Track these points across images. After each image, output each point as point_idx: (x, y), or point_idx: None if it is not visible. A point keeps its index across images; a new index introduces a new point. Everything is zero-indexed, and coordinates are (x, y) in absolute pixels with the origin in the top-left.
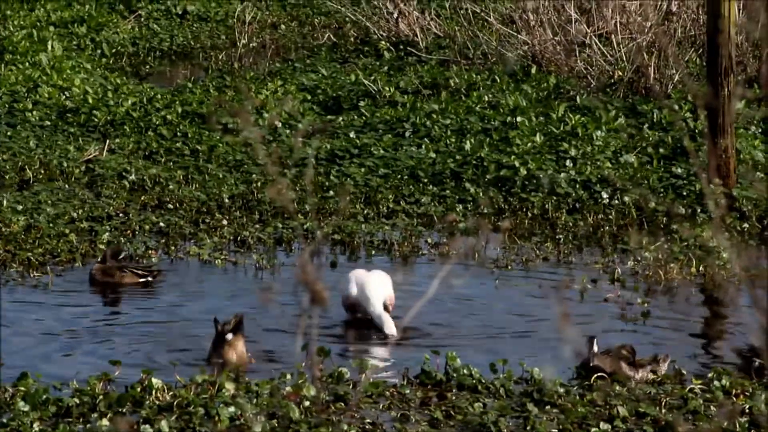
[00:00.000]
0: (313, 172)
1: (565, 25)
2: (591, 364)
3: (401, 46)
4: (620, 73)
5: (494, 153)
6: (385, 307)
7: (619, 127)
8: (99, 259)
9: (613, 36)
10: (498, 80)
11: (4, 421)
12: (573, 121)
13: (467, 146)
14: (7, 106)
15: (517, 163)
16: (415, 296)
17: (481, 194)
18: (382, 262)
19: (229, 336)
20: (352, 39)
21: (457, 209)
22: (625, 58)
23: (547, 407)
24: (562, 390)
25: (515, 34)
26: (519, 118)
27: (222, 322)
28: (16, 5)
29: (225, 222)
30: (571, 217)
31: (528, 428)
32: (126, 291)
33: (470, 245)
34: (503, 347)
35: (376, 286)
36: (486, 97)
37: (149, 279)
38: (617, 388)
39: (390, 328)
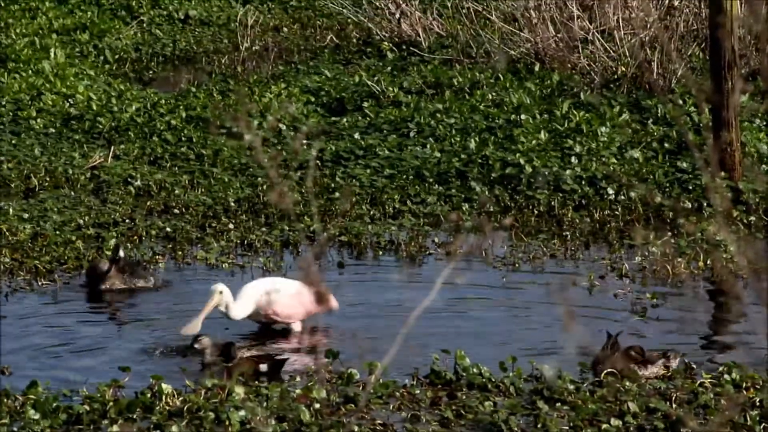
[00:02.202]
0: (318, 174)
1: (567, 21)
2: (601, 365)
3: (404, 47)
4: (623, 69)
5: (499, 151)
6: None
7: (623, 122)
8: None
9: (615, 32)
10: (501, 78)
11: (15, 429)
12: (577, 118)
13: (472, 145)
14: (11, 114)
15: (522, 161)
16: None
17: (486, 192)
18: (389, 263)
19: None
20: (354, 40)
21: (463, 208)
22: (627, 54)
23: (558, 405)
24: (572, 387)
25: (517, 31)
26: (523, 116)
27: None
28: (18, 13)
29: (231, 226)
30: (577, 214)
31: (539, 426)
32: (133, 296)
33: (477, 244)
34: (512, 346)
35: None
36: (489, 95)
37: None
38: (627, 384)
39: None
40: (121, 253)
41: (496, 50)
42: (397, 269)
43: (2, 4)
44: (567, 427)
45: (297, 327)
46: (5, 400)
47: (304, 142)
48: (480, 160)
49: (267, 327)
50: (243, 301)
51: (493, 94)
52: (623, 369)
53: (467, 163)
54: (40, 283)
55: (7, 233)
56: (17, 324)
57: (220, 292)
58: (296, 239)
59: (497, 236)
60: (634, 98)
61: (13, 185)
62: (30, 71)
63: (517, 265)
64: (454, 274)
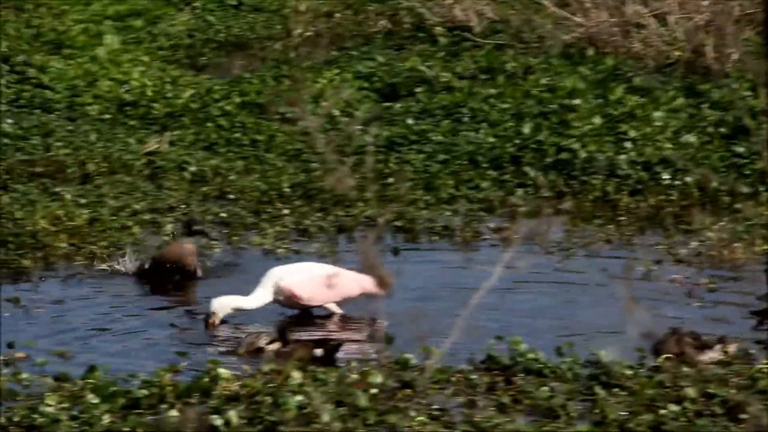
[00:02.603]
0: (372, 160)
1: (620, 5)
2: (660, 350)
3: (457, 31)
4: (678, 53)
5: (553, 136)
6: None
7: (678, 107)
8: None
9: (669, 16)
10: (554, 63)
11: (75, 413)
12: (631, 102)
13: (526, 130)
14: (67, 100)
15: (576, 146)
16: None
17: (540, 177)
18: (443, 248)
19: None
20: (407, 25)
21: (517, 193)
22: (682, 38)
23: (615, 390)
24: (629, 372)
25: (570, 16)
26: (577, 101)
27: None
28: (73, 0)
29: (286, 211)
30: (632, 199)
31: (596, 411)
32: (190, 280)
33: (532, 229)
34: (568, 331)
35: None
36: (543, 80)
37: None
38: (685, 369)
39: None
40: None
41: (548, 34)
42: (451, 254)
43: None
44: (624, 413)
45: (335, 309)
46: (65, 384)
47: (360, 127)
48: (534, 145)
49: (317, 314)
50: (260, 289)
51: (547, 78)
52: (682, 354)
53: (521, 148)
54: (97, 268)
55: (65, 218)
56: (75, 308)
57: (214, 313)
58: (351, 225)
59: (554, 221)
60: (689, 82)
61: (69, 171)
62: (85, 57)
63: (572, 250)
64: (514, 259)
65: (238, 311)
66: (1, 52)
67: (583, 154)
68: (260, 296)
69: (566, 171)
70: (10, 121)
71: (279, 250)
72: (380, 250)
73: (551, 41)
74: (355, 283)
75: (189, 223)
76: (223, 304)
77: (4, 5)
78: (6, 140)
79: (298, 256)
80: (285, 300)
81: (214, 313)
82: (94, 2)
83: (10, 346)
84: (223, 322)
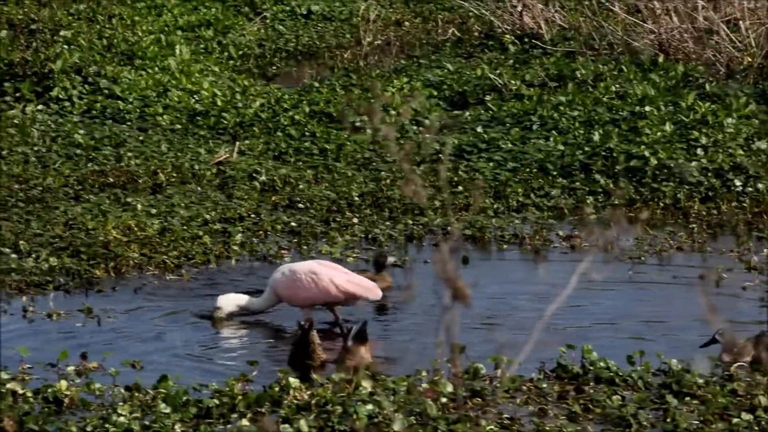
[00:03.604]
0: (445, 168)
1: (691, 12)
2: (733, 358)
3: (526, 39)
4: (750, 59)
5: (623, 143)
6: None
7: (750, 113)
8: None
9: (740, 22)
10: (625, 70)
11: (147, 423)
12: (703, 109)
13: (596, 137)
14: (138, 110)
15: (647, 153)
16: (553, 290)
17: (611, 185)
18: (513, 256)
19: (349, 343)
20: (476, 33)
21: (588, 201)
22: (754, 44)
23: (687, 399)
24: (701, 381)
25: (641, 23)
26: (647, 108)
27: (349, 328)
28: (144, 11)
29: (355, 220)
30: (704, 206)
31: (668, 420)
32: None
33: (604, 237)
34: (639, 339)
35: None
36: (613, 87)
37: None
38: (758, 377)
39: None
40: (390, 260)
41: (619, 41)
42: (521, 263)
43: (129, 2)
44: (696, 422)
45: (335, 314)
46: (137, 394)
47: (432, 136)
48: (604, 153)
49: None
50: (266, 291)
51: (617, 86)
52: (756, 362)
53: (591, 155)
54: (168, 278)
55: (136, 228)
56: (145, 318)
57: (218, 308)
58: (420, 233)
59: (626, 229)
60: (761, 88)
61: (140, 181)
62: (156, 68)
63: (643, 258)
64: (590, 268)
65: (244, 310)
66: (74, 63)
67: (654, 162)
68: (264, 298)
69: (637, 178)
70: (82, 131)
71: (348, 259)
72: (456, 260)
73: (642, 49)
74: (333, 286)
75: (378, 259)
76: (228, 301)
77: (76, 17)
78: (78, 151)
79: (367, 264)
80: (283, 299)
81: (218, 308)
82: (165, 13)
83: (83, 356)
84: (230, 318)
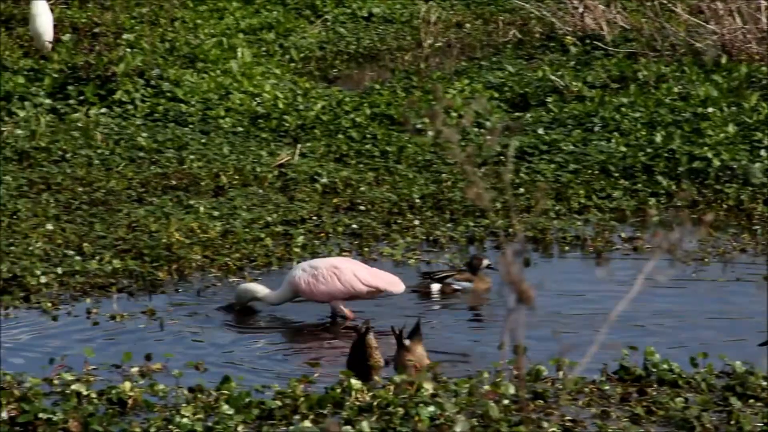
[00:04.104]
0: (502, 169)
1: (754, 13)
2: None
3: (587, 41)
4: None
5: (686, 145)
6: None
7: None
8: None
9: None
10: (687, 71)
11: (210, 424)
12: (766, 110)
13: (658, 139)
14: (200, 113)
15: (710, 155)
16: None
17: (673, 186)
18: (574, 258)
19: (407, 341)
20: (537, 35)
21: (650, 203)
22: None
23: (751, 401)
24: (765, 383)
25: (704, 24)
26: (710, 109)
27: (400, 328)
28: (206, 14)
29: (417, 222)
30: (767, 208)
31: (732, 423)
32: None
33: (668, 239)
34: (702, 341)
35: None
36: (676, 88)
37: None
38: None
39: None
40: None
41: (682, 43)
42: (583, 265)
43: (191, 5)
44: (761, 424)
45: (339, 308)
46: (200, 395)
47: (497, 138)
48: (666, 154)
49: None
50: (282, 285)
51: (680, 87)
52: None
53: (653, 157)
54: (230, 280)
55: (198, 231)
56: (208, 321)
57: (240, 295)
58: (481, 235)
59: (689, 231)
60: None
61: (203, 183)
62: (218, 71)
63: (706, 260)
64: (655, 270)
65: (260, 302)
66: (137, 67)
67: (717, 163)
68: (280, 292)
69: (700, 180)
70: (145, 134)
71: (410, 261)
72: (520, 263)
73: (709, 49)
74: (356, 280)
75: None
76: (246, 291)
77: (139, 20)
78: (141, 153)
79: (428, 266)
80: (302, 294)
81: (240, 295)
82: (226, 16)
83: (147, 357)
84: (247, 309)
